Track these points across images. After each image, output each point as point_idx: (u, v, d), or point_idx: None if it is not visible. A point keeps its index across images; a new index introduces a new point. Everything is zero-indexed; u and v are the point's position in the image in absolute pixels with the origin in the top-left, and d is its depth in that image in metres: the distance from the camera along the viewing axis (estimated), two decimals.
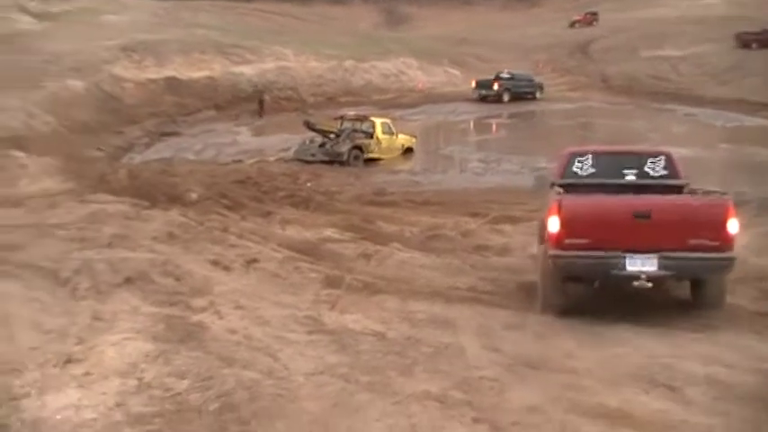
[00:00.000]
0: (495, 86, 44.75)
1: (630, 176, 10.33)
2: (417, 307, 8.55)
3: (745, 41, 54.56)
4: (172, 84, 37.00)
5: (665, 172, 10.40)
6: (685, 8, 76.83)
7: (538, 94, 46.67)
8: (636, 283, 8.54)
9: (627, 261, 8.56)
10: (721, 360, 7.04)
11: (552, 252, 8.69)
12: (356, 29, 72.27)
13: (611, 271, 8.62)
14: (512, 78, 45.94)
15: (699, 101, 43.78)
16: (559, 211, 8.67)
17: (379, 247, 11.95)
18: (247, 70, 41.93)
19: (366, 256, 11.17)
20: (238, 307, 8.16)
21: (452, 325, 7.90)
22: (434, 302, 8.83)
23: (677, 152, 11.36)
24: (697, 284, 9.21)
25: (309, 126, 26.04)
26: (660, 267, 8.55)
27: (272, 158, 25.69)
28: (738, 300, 9.33)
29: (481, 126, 37.77)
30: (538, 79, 48.00)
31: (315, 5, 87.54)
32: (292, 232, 13.14)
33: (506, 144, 31.85)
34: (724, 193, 9.51)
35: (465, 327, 7.83)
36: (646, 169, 10.42)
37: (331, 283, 9.46)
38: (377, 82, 47.18)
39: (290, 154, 26.06)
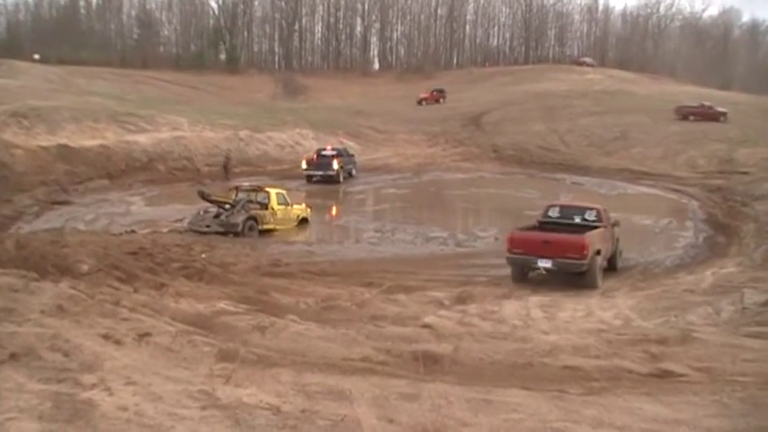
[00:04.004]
0: (335, 165, 40.41)
1: (577, 220, 19.69)
2: (313, 379, 8.50)
3: (683, 114, 58.45)
4: (63, 151, 36.17)
5: (595, 218, 19.67)
6: (572, 82, 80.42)
7: (353, 172, 43.23)
8: (538, 270, 18.19)
9: (538, 261, 17.81)
10: (612, 423, 7.18)
11: (507, 255, 18.36)
12: (252, 99, 72.60)
13: (531, 264, 18.08)
14: (341, 155, 42.12)
15: (585, 170, 45.82)
16: (510, 236, 18.49)
17: (274, 318, 11.88)
18: (142, 139, 41.48)
19: (261, 329, 11.07)
20: (130, 383, 7.94)
21: (348, 397, 7.87)
22: (330, 374, 8.80)
23: None
24: (579, 277, 17.71)
25: (204, 196, 25.74)
26: (552, 265, 17.62)
27: (165, 229, 25.22)
28: (626, 362, 9.66)
29: (377, 196, 38.24)
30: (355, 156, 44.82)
31: (211, 75, 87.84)
32: (186, 305, 12.92)
33: (402, 214, 32.35)
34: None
35: (360, 398, 7.82)
36: (585, 216, 19.80)
37: (225, 356, 9.32)
38: (272, 152, 47.33)
39: (185, 225, 25.68)
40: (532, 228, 19.68)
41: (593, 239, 17.84)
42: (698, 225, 30.10)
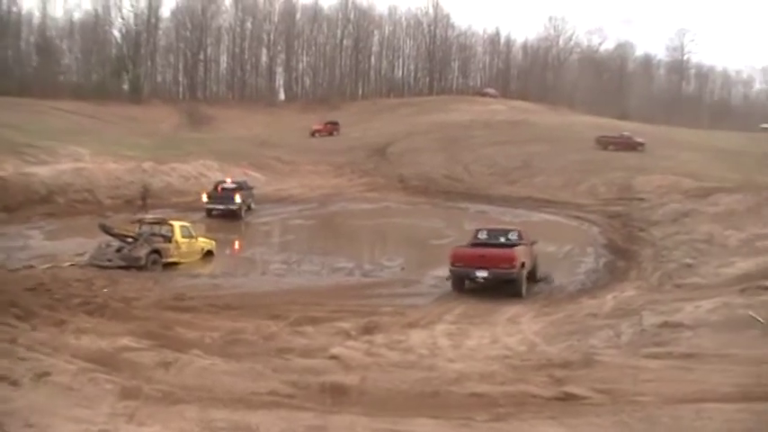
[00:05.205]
0: (238, 198, 39.02)
1: (502, 239, 23.57)
2: (218, 415, 8.37)
3: (603, 144, 59.47)
4: None
5: (517, 237, 23.72)
6: (475, 113, 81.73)
7: (252, 205, 41.59)
8: (477, 279, 21.66)
9: (476, 271, 21.48)
10: None
11: (450, 268, 21.89)
12: (156, 129, 71.55)
13: (469, 275, 21.78)
14: (242, 188, 40.87)
15: (489, 199, 46.51)
16: (453, 252, 22.16)
17: (178, 354, 11.66)
18: (41, 171, 40.29)
19: (165, 365, 10.86)
20: (28, 425, 7.65)
21: (254, 431, 7.82)
22: (236, 409, 8.68)
23: None
24: (507, 285, 21.27)
25: (105, 230, 25.17)
26: (488, 275, 21.22)
27: (66, 264, 24.46)
28: (531, 387, 9.82)
29: (283, 227, 38.09)
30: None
31: (113, 105, 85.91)
32: (87, 342, 12.57)
33: (308, 245, 32.34)
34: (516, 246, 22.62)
35: None
36: (509, 236, 23.83)
37: (128, 394, 9.10)
38: (176, 184, 46.54)
39: (86, 259, 24.92)
40: (468, 246, 23.44)
41: (520, 253, 21.71)
42: (598, 250, 30.95)
